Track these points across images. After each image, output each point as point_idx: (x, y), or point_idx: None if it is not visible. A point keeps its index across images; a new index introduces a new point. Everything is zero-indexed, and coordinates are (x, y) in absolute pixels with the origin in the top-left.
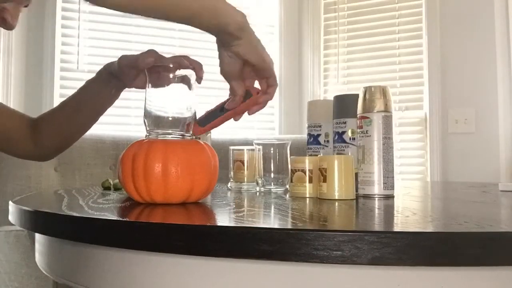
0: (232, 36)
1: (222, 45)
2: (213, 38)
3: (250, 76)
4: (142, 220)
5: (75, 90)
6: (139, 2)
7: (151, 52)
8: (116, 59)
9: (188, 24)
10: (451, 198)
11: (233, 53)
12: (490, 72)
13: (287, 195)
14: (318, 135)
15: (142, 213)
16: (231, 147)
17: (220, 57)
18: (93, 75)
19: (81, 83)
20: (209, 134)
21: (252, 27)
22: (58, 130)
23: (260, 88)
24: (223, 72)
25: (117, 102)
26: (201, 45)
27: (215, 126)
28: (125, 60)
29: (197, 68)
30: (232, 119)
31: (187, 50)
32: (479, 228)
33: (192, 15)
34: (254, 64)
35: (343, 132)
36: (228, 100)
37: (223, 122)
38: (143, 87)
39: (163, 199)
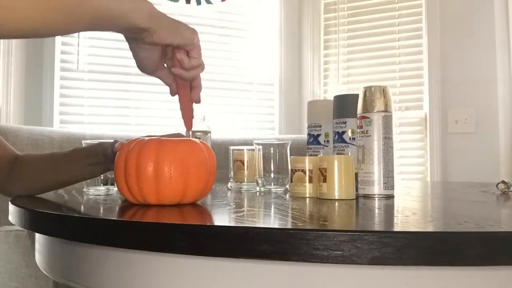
0: (143, 29)
1: (135, 40)
2: (214, 38)
3: (170, 56)
4: (142, 220)
5: (76, 90)
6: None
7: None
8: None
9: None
10: (451, 198)
11: (150, 43)
12: (490, 72)
13: (287, 195)
14: (318, 135)
15: (142, 213)
16: (231, 147)
17: (135, 53)
18: (93, 75)
19: (81, 83)
20: (209, 134)
21: (254, 26)
22: (32, 176)
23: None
24: (142, 68)
25: (117, 102)
26: (201, 45)
27: (190, 116)
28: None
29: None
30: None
31: None
32: (479, 228)
33: (89, 24)
34: (176, 45)
35: (343, 132)
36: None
37: (190, 108)
38: None
39: (156, 200)
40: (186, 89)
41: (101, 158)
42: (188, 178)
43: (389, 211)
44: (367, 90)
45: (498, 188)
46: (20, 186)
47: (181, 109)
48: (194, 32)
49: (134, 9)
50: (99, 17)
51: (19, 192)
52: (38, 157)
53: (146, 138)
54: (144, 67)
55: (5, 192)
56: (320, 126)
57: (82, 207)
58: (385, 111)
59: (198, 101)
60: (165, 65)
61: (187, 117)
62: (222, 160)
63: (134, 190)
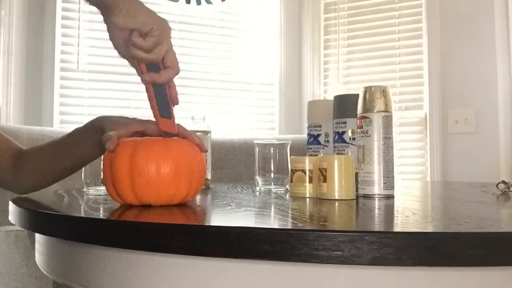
0: (108, 6)
1: (104, 17)
2: (214, 38)
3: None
4: (141, 220)
5: (76, 88)
6: None
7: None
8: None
9: None
10: (451, 198)
11: (113, 23)
12: (490, 72)
13: (287, 195)
14: (318, 135)
15: (141, 214)
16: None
17: (108, 31)
18: (93, 75)
19: (81, 83)
20: (209, 134)
21: (254, 26)
22: (37, 168)
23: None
24: (116, 49)
25: (117, 102)
26: (201, 45)
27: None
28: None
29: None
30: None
31: (186, 50)
32: (479, 228)
33: None
34: (131, 28)
35: (343, 132)
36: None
37: (170, 108)
38: None
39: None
40: (161, 87)
41: (101, 134)
42: (181, 178)
43: (389, 211)
44: (367, 90)
45: (498, 188)
46: (27, 181)
47: (153, 108)
48: (156, 21)
49: None
50: None
51: (27, 188)
52: (40, 148)
53: (141, 138)
54: (116, 48)
55: (13, 189)
56: (320, 126)
57: (82, 207)
58: (385, 111)
59: (175, 102)
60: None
61: (165, 119)
62: (222, 160)
63: (128, 191)
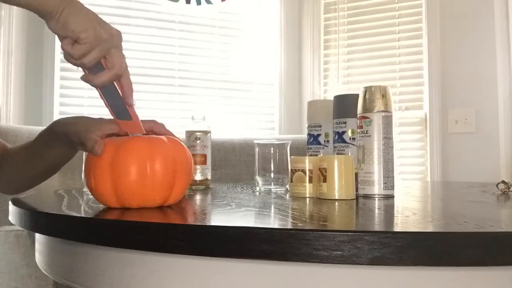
0: (44, 12)
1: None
2: (214, 38)
3: None
4: (141, 220)
5: (75, 83)
6: None
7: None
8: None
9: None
10: (451, 198)
11: (54, 32)
12: (490, 72)
13: (287, 195)
14: (318, 135)
15: (141, 214)
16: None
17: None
18: None
19: (81, 83)
20: (209, 134)
21: (254, 26)
22: (18, 169)
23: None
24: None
25: None
26: (201, 45)
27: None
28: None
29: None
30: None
31: (186, 50)
32: (479, 228)
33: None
34: (63, 36)
35: (343, 132)
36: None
37: (124, 108)
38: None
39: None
40: (109, 89)
41: (64, 138)
42: (176, 176)
43: (389, 211)
44: (367, 90)
45: (498, 188)
46: (10, 182)
47: (109, 109)
48: (89, 29)
49: None
50: None
51: (11, 188)
52: (19, 149)
53: (129, 137)
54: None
55: (1, 189)
56: (320, 126)
57: (82, 207)
58: (385, 111)
59: (128, 102)
60: None
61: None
62: (222, 160)
63: (111, 193)
